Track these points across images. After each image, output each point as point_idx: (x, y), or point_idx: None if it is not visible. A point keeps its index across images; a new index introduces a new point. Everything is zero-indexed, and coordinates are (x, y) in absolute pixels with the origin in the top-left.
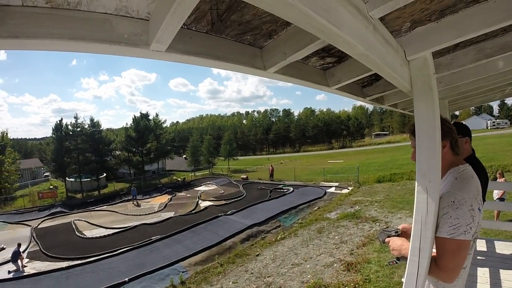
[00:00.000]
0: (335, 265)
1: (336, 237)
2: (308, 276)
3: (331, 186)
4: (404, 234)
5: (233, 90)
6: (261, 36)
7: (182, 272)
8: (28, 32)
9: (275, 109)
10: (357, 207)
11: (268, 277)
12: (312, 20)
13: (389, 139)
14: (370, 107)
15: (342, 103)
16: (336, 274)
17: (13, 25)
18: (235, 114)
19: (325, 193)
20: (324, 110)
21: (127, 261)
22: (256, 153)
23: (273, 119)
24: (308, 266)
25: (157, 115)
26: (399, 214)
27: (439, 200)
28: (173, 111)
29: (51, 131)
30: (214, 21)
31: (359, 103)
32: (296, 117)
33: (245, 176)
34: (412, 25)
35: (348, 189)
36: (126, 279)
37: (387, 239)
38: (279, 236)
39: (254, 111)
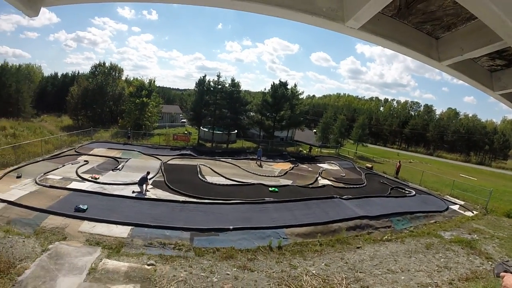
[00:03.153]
0: None
1: (441, 259)
2: None
3: (456, 204)
4: None
5: (375, 73)
6: (440, 28)
7: (283, 238)
8: None
9: (416, 102)
10: (475, 235)
11: (360, 272)
12: (506, 27)
13: None
14: None
15: (491, 112)
16: None
17: None
18: (373, 99)
19: (447, 208)
20: (470, 115)
21: (236, 212)
22: (387, 144)
23: (412, 113)
24: (402, 277)
25: (295, 85)
26: None
27: None
28: (311, 84)
29: (194, 85)
30: (401, 7)
31: (510, 116)
32: (437, 116)
33: (370, 166)
34: None
35: (473, 212)
36: (231, 227)
37: (502, 273)
38: (386, 237)
39: (393, 99)
